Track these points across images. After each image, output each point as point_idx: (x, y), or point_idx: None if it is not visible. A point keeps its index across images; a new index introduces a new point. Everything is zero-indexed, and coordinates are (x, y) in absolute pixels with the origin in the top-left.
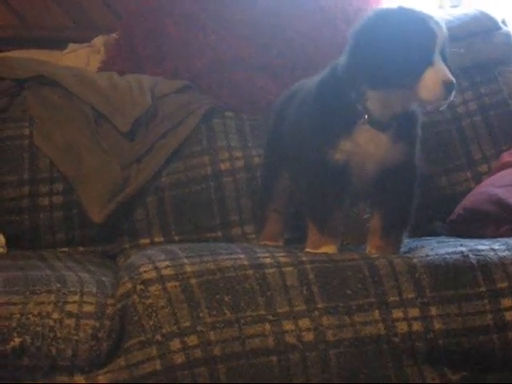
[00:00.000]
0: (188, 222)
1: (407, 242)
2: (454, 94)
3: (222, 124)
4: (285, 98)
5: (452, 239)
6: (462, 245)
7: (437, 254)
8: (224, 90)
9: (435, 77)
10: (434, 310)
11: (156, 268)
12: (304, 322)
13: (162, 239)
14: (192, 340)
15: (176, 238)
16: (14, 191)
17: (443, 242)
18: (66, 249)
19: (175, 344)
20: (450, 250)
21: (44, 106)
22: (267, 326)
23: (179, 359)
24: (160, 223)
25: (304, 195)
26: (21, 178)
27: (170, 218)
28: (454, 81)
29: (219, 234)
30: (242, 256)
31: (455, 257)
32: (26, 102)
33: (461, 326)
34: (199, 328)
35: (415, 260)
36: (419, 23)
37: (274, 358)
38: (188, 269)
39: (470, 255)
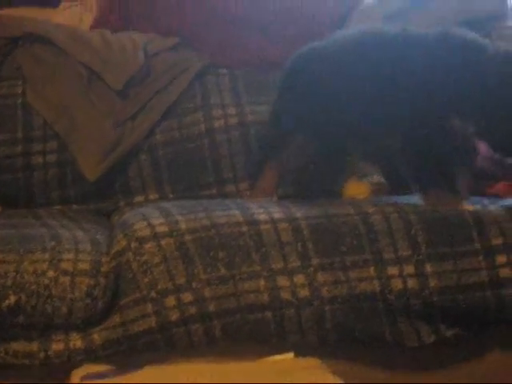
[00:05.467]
0: (182, 180)
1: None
2: None
3: (216, 81)
4: (315, 59)
5: None
6: None
7: (433, 211)
8: (217, 48)
9: None
10: (429, 267)
11: (150, 225)
12: (299, 278)
13: (156, 196)
14: (187, 296)
15: (170, 195)
16: (7, 150)
17: None
18: (60, 207)
19: (170, 301)
20: None
21: (37, 64)
22: (262, 282)
23: (174, 316)
24: (154, 181)
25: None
26: (14, 136)
27: (164, 175)
28: None
29: (213, 191)
30: (236, 212)
31: (451, 213)
32: (19, 61)
33: (456, 283)
34: (194, 284)
35: (411, 216)
36: None
37: (269, 314)
38: (182, 225)
39: (466, 212)
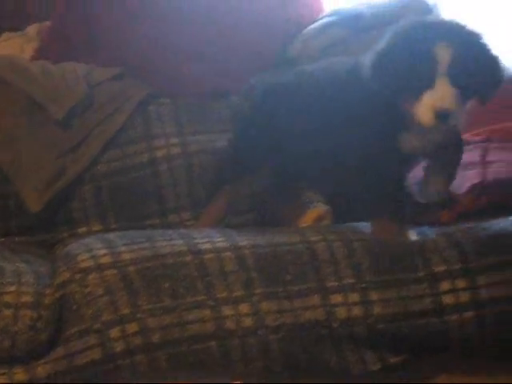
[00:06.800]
0: (125, 210)
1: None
2: (451, 119)
3: (158, 111)
4: (273, 94)
5: None
6: None
7: (377, 239)
8: (158, 78)
9: (427, 102)
10: (373, 295)
11: (93, 256)
12: (243, 307)
13: (99, 227)
14: (132, 327)
15: (114, 226)
16: None
17: None
18: (2, 239)
19: (115, 332)
20: None
21: None
22: (207, 312)
23: (119, 347)
24: (97, 212)
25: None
26: None
27: (107, 206)
28: (449, 107)
29: (157, 221)
30: (179, 242)
31: (395, 242)
32: None
33: (400, 310)
34: (138, 315)
35: (355, 244)
36: (421, 48)
37: (214, 344)
38: (126, 256)
39: (409, 240)
